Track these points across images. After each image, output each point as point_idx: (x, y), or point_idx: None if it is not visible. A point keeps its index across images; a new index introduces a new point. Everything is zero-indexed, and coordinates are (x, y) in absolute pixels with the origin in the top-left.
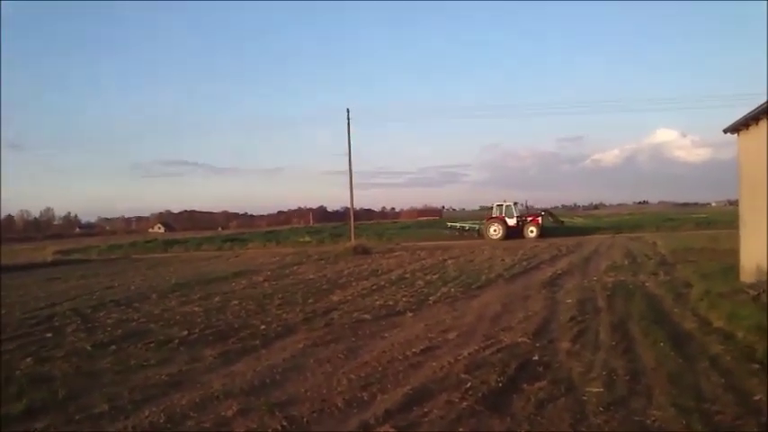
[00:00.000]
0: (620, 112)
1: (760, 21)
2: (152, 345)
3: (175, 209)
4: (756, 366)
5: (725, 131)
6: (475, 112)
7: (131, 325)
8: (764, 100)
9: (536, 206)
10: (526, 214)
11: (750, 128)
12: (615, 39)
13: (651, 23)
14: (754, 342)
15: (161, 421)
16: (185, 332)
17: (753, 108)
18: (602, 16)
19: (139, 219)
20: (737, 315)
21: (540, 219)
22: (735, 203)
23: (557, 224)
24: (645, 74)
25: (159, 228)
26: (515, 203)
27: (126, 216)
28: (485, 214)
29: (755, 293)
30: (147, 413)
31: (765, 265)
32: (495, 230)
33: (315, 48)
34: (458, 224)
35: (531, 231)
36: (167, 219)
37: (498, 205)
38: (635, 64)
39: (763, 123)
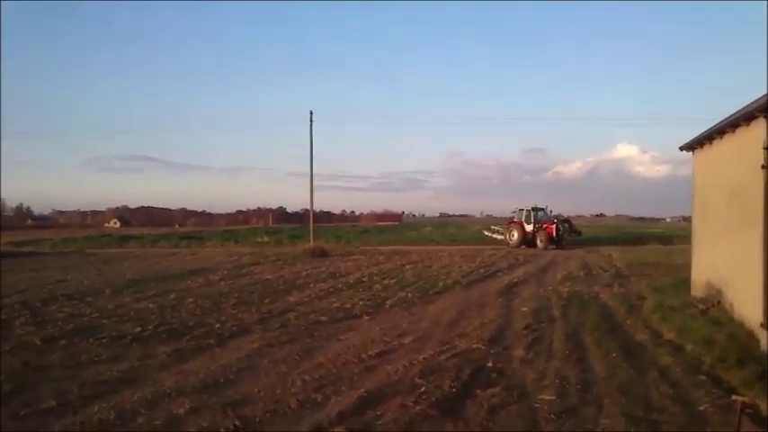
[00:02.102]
0: (583, 127)
1: (722, 40)
2: (104, 340)
3: (133, 204)
4: (703, 378)
5: (681, 149)
6: (440, 120)
7: (83, 320)
8: (718, 120)
9: (559, 214)
10: (543, 221)
11: (704, 146)
12: (583, 54)
13: (619, 40)
14: (701, 354)
15: (111, 418)
16: (138, 329)
17: (708, 127)
18: (570, 32)
19: (95, 213)
20: (687, 328)
21: (552, 227)
22: (688, 219)
23: (575, 234)
24: (610, 89)
25: (115, 223)
26: (537, 209)
27: (81, 210)
28: (449, 221)
29: (704, 307)
30: (96, 409)
31: (714, 281)
32: (511, 236)
33: (284, 49)
34: (494, 227)
35: (540, 241)
36: (124, 214)
37: (520, 210)
38: (601, 80)
39: (716, 142)
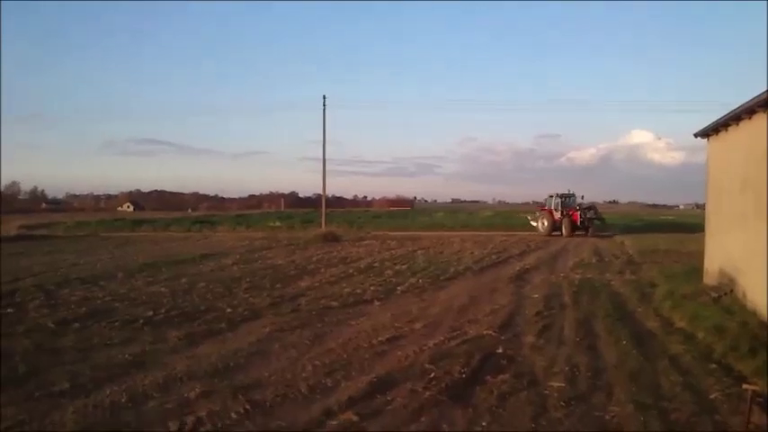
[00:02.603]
0: (598, 113)
1: (736, 27)
2: (116, 324)
3: (146, 188)
4: (714, 366)
5: (695, 135)
6: (454, 106)
7: (96, 303)
8: (735, 106)
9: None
10: (570, 208)
11: (720, 133)
12: (598, 40)
13: (633, 27)
14: (713, 342)
15: (123, 401)
16: (150, 312)
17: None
18: (586, 18)
19: (109, 197)
20: (699, 316)
21: (577, 214)
22: (702, 207)
23: (599, 221)
24: (626, 75)
25: (128, 207)
26: (565, 195)
27: (95, 194)
28: (461, 207)
29: (717, 296)
30: (108, 392)
31: (727, 269)
32: (542, 224)
33: (298, 35)
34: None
35: (565, 228)
36: (137, 198)
37: (550, 196)
38: (617, 65)
39: (732, 129)
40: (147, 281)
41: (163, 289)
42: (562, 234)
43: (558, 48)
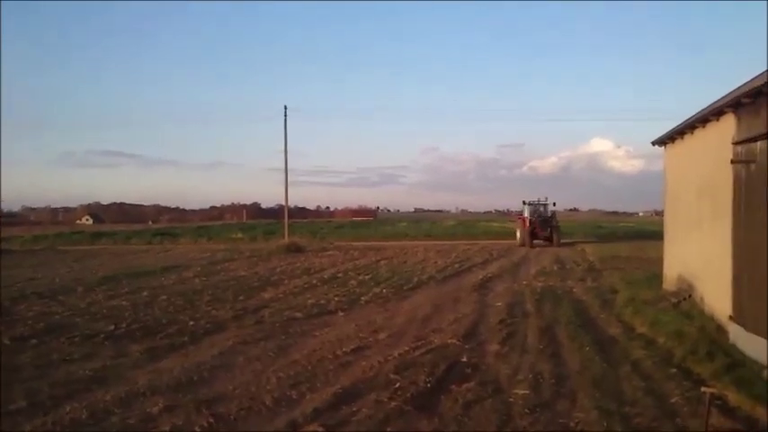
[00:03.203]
0: (560, 122)
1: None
2: (76, 339)
3: (105, 201)
4: (674, 371)
5: (653, 144)
6: (418, 115)
7: (54, 318)
8: (690, 114)
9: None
10: (537, 217)
11: (675, 141)
12: (559, 49)
13: (596, 35)
14: (673, 347)
15: (83, 417)
16: (111, 327)
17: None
18: (547, 28)
19: (66, 209)
20: (659, 321)
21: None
22: (661, 214)
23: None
24: (586, 84)
25: (87, 219)
26: (532, 203)
27: (52, 206)
28: (424, 216)
29: (676, 301)
30: (68, 409)
31: (685, 274)
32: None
33: (261, 44)
34: None
35: (524, 236)
36: (96, 210)
37: (524, 204)
38: (577, 74)
39: (687, 138)
40: (107, 295)
41: (124, 303)
42: (525, 244)
43: (520, 56)
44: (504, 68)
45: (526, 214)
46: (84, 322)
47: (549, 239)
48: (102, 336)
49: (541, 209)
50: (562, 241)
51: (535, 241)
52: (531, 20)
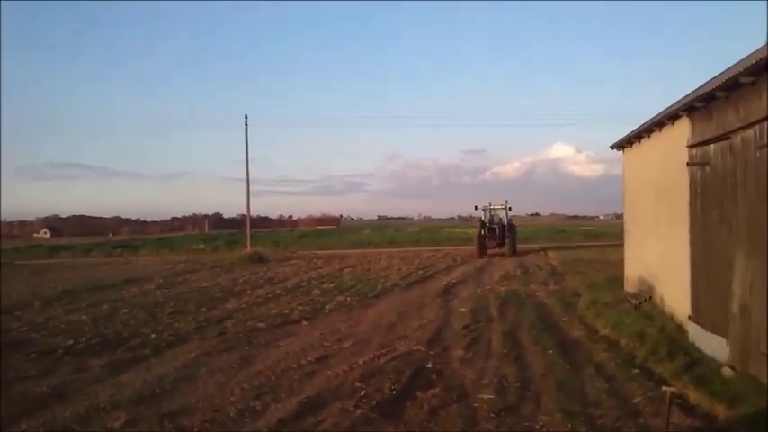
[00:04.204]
0: (522, 128)
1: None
2: (33, 355)
3: (64, 213)
4: (636, 371)
5: (611, 148)
6: (380, 122)
7: (11, 334)
8: (648, 119)
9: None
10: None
11: (633, 145)
12: (521, 54)
13: (557, 40)
14: (634, 348)
15: None
16: (71, 341)
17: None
18: (508, 33)
19: (23, 223)
20: (621, 323)
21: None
22: (620, 217)
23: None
24: (548, 90)
25: (45, 233)
26: (484, 208)
27: (8, 220)
28: (387, 224)
29: (637, 303)
30: (24, 427)
31: (645, 276)
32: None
33: (221, 52)
34: None
35: (477, 245)
36: (54, 223)
37: (482, 209)
38: (539, 80)
39: (645, 141)
40: (66, 309)
41: (83, 317)
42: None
43: (483, 62)
44: (467, 74)
45: (481, 220)
46: (42, 338)
47: (502, 247)
48: (60, 351)
49: (497, 215)
50: (519, 249)
51: (489, 251)
52: (491, 26)
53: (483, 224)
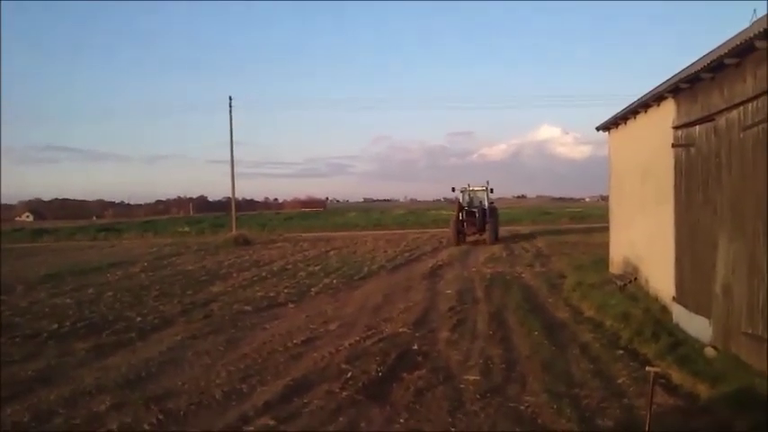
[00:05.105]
0: (510, 109)
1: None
2: (17, 339)
3: (47, 197)
4: (621, 352)
5: (597, 129)
6: (367, 104)
7: None
8: (634, 100)
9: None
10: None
11: (619, 127)
12: (507, 35)
13: (544, 21)
14: (619, 329)
15: (25, 420)
16: (55, 325)
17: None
18: (495, 15)
19: (5, 207)
20: (606, 304)
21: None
22: (606, 199)
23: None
24: (535, 71)
25: (27, 216)
26: (462, 189)
27: None
28: (373, 206)
29: (622, 284)
30: (9, 411)
31: (631, 257)
32: None
33: (206, 35)
34: None
35: (452, 232)
36: (37, 207)
37: (453, 189)
38: (527, 61)
39: (631, 122)
40: (50, 293)
41: (68, 300)
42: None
43: (470, 43)
44: (454, 56)
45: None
46: (26, 322)
47: (482, 233)
48: (45, 335)
49: (477, 197)
50: (503, 233)
51: (469, 237)
52: (479, 8)
53: (461, 208)
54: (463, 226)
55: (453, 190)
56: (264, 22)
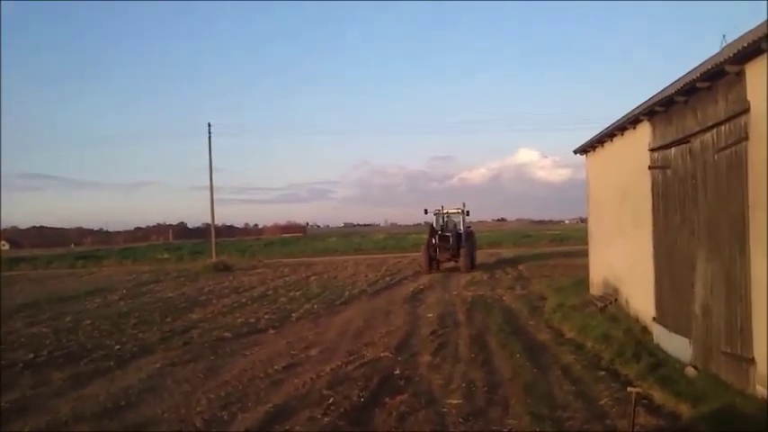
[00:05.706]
0: (489, 134)
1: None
2: None
3: (23, 225)
4: (602, 373)
5: (575, 152)
6: (344, 128)
7: None
8: (609, 123)
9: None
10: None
11: (596, 150)
12: (487, 60)
13: (523, 44)
14: (600, 351)
15: None
16: (31, 355)
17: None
18: (475, 37)
19: None
20: (587, 326)
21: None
22: (585, 221)
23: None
24: (514, 95)
25: (3, 245)
26: (436, 212)
27: None
28: (354, 231)
29: (602, 305)
30: None
31: (610, 279)
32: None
33: (185, 63)
34: None
35: (424, 258)
36: (13, 235)
37: (426, 212)
38: (505, 85)
39: (608, 145)
40: (26, 322)
41: (44, 329)
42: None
43: (451, 68)
44: (434, 81)
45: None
46: (1, 352)
47: (457, 259)
48: (20, 365)
49: (452, 220)
50: (482, 259)
51: (443, 264)
52: (457, 31)
53: (434, 232)
54: (436, 252)
55: (426, 212)
56: (245, 48)
